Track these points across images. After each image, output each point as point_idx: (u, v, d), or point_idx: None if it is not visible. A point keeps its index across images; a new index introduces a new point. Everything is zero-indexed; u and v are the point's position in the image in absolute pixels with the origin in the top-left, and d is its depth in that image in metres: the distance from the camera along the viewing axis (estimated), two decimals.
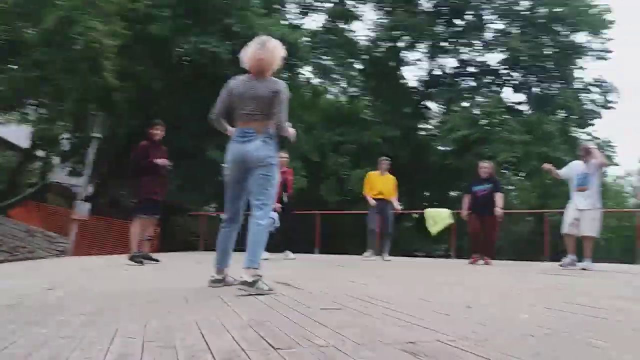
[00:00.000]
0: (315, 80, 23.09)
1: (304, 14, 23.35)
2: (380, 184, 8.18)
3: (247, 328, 2.10)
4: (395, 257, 8.62)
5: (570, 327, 2.09)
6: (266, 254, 7.79)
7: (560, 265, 6.40)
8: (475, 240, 7.87)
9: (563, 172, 6.83)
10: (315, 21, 23.67)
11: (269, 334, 1.97)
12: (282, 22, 18.05)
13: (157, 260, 6.75)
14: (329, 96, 22.65)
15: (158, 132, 6.75)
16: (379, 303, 2.75)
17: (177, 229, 17.01)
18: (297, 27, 20.52)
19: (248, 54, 3.47)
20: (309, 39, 19.51)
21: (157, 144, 6.74)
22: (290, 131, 3.48)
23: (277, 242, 7.57)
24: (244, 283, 3.10)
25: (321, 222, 11.80)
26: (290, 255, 7.87)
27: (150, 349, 1.77)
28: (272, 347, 1.74)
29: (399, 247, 13.76)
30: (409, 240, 18.75)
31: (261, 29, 15.06)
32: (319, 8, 23.45)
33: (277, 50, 3.45)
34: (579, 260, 6.34)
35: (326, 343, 1.78)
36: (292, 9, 23.26)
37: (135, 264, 6.30)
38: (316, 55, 21.00)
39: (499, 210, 7.56)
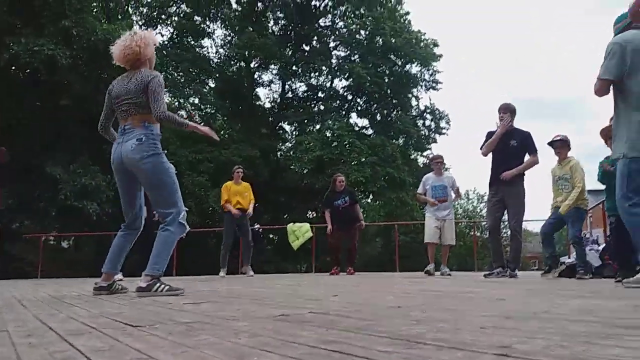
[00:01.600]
0: (168, 97, 22.04)
1: (150, 25, 22.30)
2: (237, 192, 7.98)
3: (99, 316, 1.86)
4: (258, 275, 8.43)
5: (434, 300, 2.40)
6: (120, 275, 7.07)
7: (426, 272, 6.64)
8: (336, 252, 7.99)
9: (420, 189, 7.05)
10: (161, 34, 22.66)
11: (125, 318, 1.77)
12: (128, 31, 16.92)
13: None
14: (181, 112, 21.79)
15: None
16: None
17: (4, 256, 14.43)
18: None
19: (116, 46, 3.21)
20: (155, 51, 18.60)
21: None
22: (203, 129, 3.32)
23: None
24: (139, 289, 2.93)
25: (180, 243, 11.03)
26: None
27: None
28: (130, 325, 1.55)
29: (264, 267, 13.58)
30: (273, 259, 18.69)
31: (104, 34, 14.05)
32: (166, 21, 22.69)
33: (146, 39, 3.20)
34: (437, 269, 6.80)
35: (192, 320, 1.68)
36: (137, 20, 22.11)
37: None
38: (165, 69, 20.16)
39: (362, 222, 7.92)
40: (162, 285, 2.96)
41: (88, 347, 1.14)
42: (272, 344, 1.14)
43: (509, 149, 5.42)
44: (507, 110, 5.54)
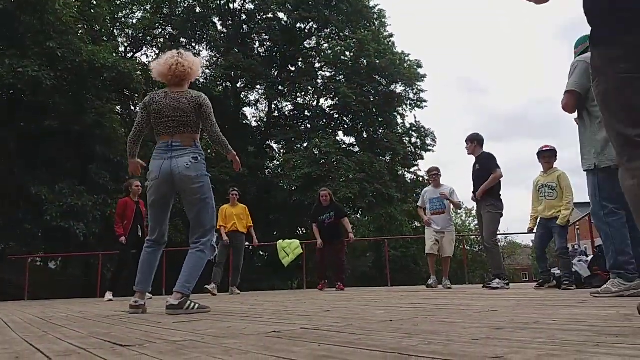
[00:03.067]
0: None
1: (136, 47, 22.40)
2: (233, 215, 7.98)
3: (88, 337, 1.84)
4: (247, 292, 8.38)
5: (425, 313, 2.39)
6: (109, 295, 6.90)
7: (427, 286, 6.67)
8: (322, 267, 7.96)
9: (420, 203, 7.13)
10: (146, 55, 22.75)
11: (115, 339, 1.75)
12: (113, 53, 16.97)
13: None
14: None
15: None
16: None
17: None
18: (130, 59, 19.56)
19: (161, 62, 3.26)
20: (140, 73, 18.67)
21: None
22: (237, 160, 3.47)
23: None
24: (171, 306, 2.93)
25: (168, 260, 10.90)
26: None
27: None
28: (119, 345, 1.53)
29: (255, 284, 13.46)
30: (264, 276, 18.54)
31: (90, 56, 14.07)
32: (151, 43, 22.76)
33: (197, 63, 3.34)
34: (440, 282, 6.81)
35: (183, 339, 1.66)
36: (122, 42, 22.19)
37: None
38: (152, 90, 20.16)
39: (352, 235, 7.94)
40: (193, 303, 3.00)
41: None
42: None
43: (475, 172, 6.00)
44: (475, 141, 6.07)
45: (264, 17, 23.77)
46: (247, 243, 8.47)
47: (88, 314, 3.49)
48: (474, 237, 27.34)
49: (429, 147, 23.94)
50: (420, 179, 22.45)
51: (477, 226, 10.49)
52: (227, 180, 18.08)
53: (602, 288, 3.20)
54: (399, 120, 24.32)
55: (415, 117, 28.39)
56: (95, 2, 16.95)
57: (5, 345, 1.69)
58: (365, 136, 23.88)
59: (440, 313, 2.34)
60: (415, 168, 23.44)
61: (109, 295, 6.98)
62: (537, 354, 1.04)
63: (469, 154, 6.13)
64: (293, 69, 24.58)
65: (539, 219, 5.64)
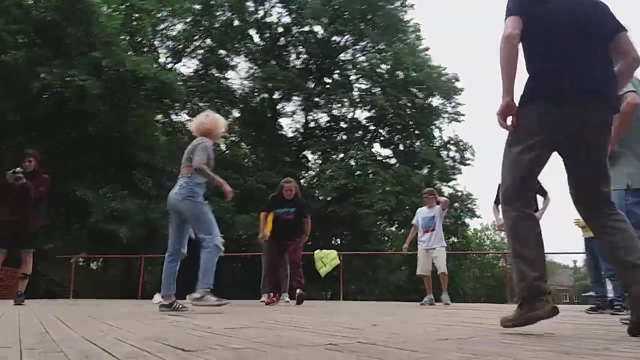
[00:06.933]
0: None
1: (176, 58, 23.07)
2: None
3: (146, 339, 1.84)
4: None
5: (478, 332, 2.30)
6: (158, 297, 6.67)
7: (422, 304, 6.76)
8: (272, 276, 6.45)
9: (414, 220, 7.35)
10: (186, 66, 23.47)
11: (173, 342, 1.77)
12: (154, 64, 17.55)
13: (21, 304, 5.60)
14: None
15: (27, 164, 5.86)
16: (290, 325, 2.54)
17: (38, 276, 14.71)
18: (170, 70, 20.17)
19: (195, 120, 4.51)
20: (181, 83, 19.19)
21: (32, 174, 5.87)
22: (227, 188, 4.24)
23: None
24: (195, 299, 3.80)
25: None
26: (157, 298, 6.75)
27: None
28: (181, 349, 1.54)
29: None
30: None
31: (133, 66, 14.59)
32: (191, 54, 23.41)
33: (218, 120, 4.45)
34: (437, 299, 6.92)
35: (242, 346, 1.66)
36: (163, 53, 22.94)
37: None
38: (191, 100, 20.72)
39: (305, 237, 6.56)
40: (212, 297, 3.78)
41: None
42: None
43: None
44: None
45: (300, 30, 24.06)
46: None
47: (136, 315, 3.57)
48: None
49: (467, 161, 23.55)
50: (459, 193, 22.01)
51: None
52: (264, 189, 18.33)
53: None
54: (437, 134, 24.09)
55: (453, 131, 28.01)
56: (137, 14, 17.61)
57: (69, 344, 1.73)
58: (401, 148, 23.71)
59: (494, 333, 2.26)
60: (454, 182, 23.04)
61: (157, 297, 6.98)
62: None
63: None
64: (329, 81, 24.74)
65: (583, 239, 5.41)
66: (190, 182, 4.05)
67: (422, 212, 7.20)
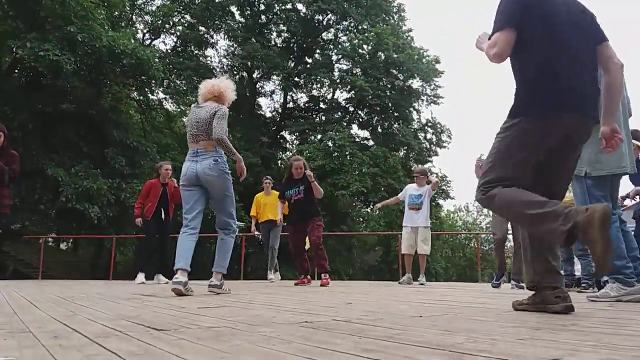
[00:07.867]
0: (170, 105, 22.26)
1: (154, 34, 22.43)
2: (268, 204, 7.84)
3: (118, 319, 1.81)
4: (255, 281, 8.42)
5: (451, 310, 2.37)
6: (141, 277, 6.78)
7: (400, 283, 6.72)
8: (297, 257, 6.35)
9: (400, 195, 7.32)
10: (164, 43, 22.77)
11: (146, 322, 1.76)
12: (132, 40, 17.01)
13: None
14: (185, 119, 21.83)
15: None
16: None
17: (6, 256, 14.36)
18: (148, 46, 19.62)
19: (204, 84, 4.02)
20: (158, 60, 18.68)
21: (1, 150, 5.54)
22: (242, 166, 3.80)
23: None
24: (214, 285, 3.66)
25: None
26: (162, 280, 6.86)
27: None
28: (154, 329, 1.52)
29: (259, 272, 13.53)
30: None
31: (109, 41, 14.12)
32: (170, 30, 22.80)
33: (231, 83, 4.05)
34: (415, 278, 6.86)
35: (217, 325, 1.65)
36: (141, 29, 22.26)
37: None
38: (168, 77, 20.25)
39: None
40: (226, 287, 3.77)
41: (123, 350, 1.11)
42: (310, 350, 1.11)
43: None
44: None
45: (283, 7, 23.65)
46: (256, 233, 8.46)
47: (107, 295, 3.52)
48: (484, 235, 27.21)
49: (444, 144, 23.76)
50: (434, 175, 22.27)
51: (488, 224, 10.40)
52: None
53: (601, 292, 3.14)
54: (415, 116, 24.15)
55: (431, 113, 28.16)
56: None
57: (38, 324, 1.68)
58: (380, 130, 23.73)
59: (468, 311, 2.31)
60: (429, 164, 23.26)
61: (140, 277, 6.82)
62: (599, 358, 1.01)
63: None
64: (310, 60, 24.45)
65: None
66: (223, 156, 3.69)
67: (411, 189, 7.06)
